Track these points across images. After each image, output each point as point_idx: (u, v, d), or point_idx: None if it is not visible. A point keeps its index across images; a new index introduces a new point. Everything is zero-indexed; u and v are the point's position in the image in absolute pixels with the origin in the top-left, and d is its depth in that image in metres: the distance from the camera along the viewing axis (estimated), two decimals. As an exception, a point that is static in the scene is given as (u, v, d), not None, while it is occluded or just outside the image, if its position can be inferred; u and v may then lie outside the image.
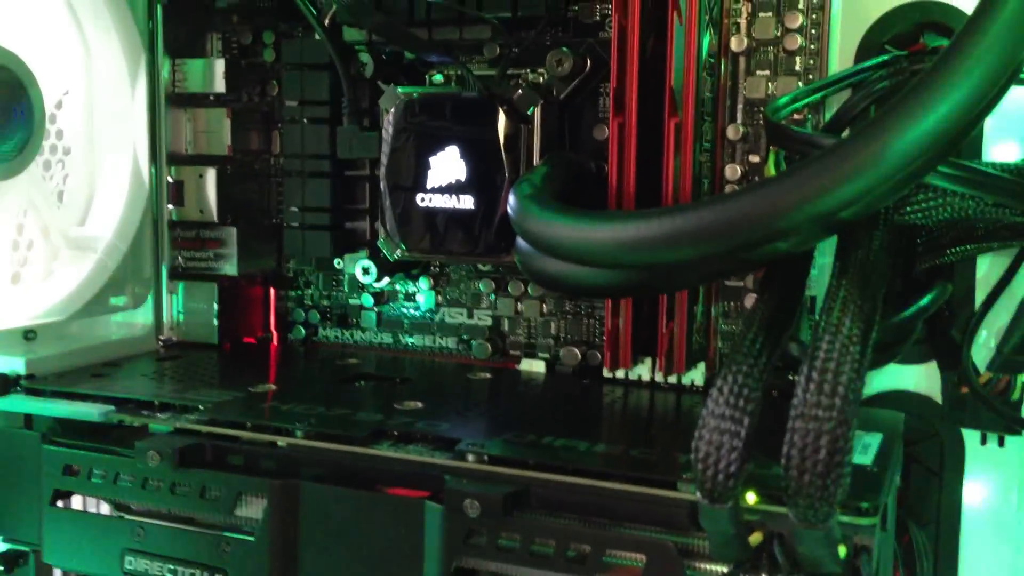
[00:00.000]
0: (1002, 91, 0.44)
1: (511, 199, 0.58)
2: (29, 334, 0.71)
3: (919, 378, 0.67)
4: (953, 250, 0.62)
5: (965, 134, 0.44)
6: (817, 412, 0.38)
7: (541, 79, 0.73)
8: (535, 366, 0.76)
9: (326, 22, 0.73)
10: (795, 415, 0.39)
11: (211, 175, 0.78)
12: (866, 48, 0.67)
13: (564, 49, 0.70)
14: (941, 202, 0.52)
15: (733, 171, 0.68)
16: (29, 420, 0.64)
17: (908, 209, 0.52)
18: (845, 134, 0.62)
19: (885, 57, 0.64)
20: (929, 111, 0.41)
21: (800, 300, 0.51)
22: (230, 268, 0.79)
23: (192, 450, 0.57)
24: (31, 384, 0.66)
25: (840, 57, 0.67)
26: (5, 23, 0.65)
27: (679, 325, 0.65)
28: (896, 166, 0.42)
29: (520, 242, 0.59)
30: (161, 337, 0.80)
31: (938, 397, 0.66)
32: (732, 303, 0.69)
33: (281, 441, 0.57)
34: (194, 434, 0.58)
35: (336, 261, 0.81)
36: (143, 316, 0.79)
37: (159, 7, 0.76)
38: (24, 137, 0.67)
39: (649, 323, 0.66)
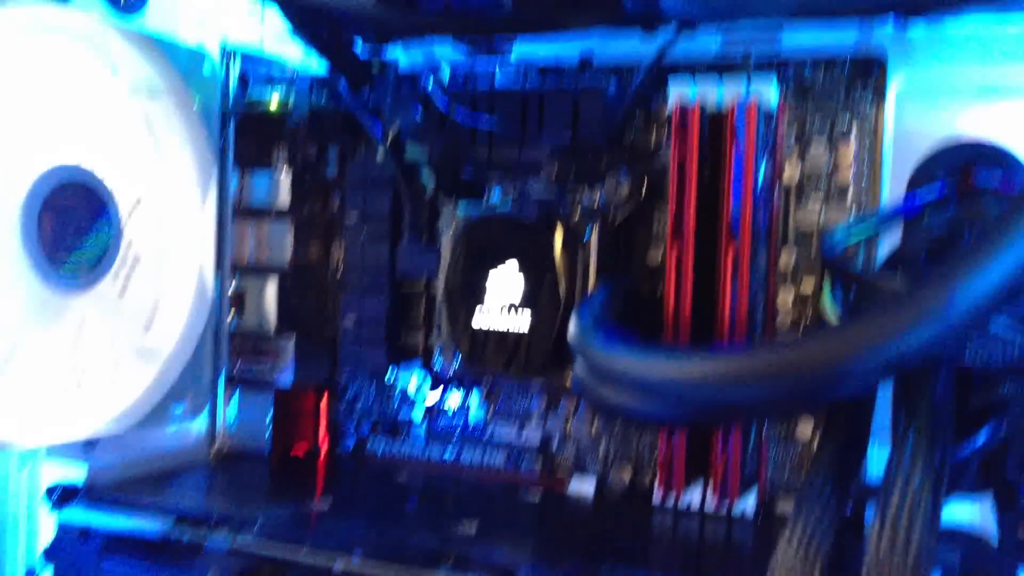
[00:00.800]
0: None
1: (572, 326, 0.59)
2: (90, 443, 0.72)
3: (974, 515, 0.66)
4: (1007, 384, 0.62)
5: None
6: (890, 571, 0.39)
7: (596, 201, 0.75)
8: (584, 486, 0.76)
9: (390, 141, 0.75)
10: (867, 570, 0.39)
11: (272, 285, 0.80)
12: (917, 182, 0.68)
13: (621, 175, 0.72)
14: (1001, 347, 0.52)
15: (785, 298, 0.69)
16: (86, 531, 0.65)
17: (968, 352, 0.53)
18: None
19: (937, 195, 0.65)
20: (994, 266, 0.42)
21: (867, 439, 0.51)
22: (286, 378, 0.81)
23: (250, 572, 0.58)
24: (91, 496, 0.67)
25: (891, 188, 0.69)
26: (87, 139, 0.68)
27: (733, 452, 0.65)
28: (962, 318, 0.43)
29: (578, 367, 0.59)
30: (214, 446, 0.81)
31: (994, 535, 0.65)
32: (783, 427, 0.69)
33: (338, 563, 0.58)
34: (251, 556, 0.59)
35: (389, 373, 0.82)
36: (198, 424, 0.80)
37: (232, 122, 0.79)
38: (101, 248, 0.69)
39: (701, 445, 0.67)
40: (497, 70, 0.76)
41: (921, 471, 0.42)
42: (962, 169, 0.67)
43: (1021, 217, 0.42)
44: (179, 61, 0.73)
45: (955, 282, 0.43)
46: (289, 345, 0.80)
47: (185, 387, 0.75)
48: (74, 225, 0.67)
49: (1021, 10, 0.61)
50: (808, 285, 0.69)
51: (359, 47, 0.75)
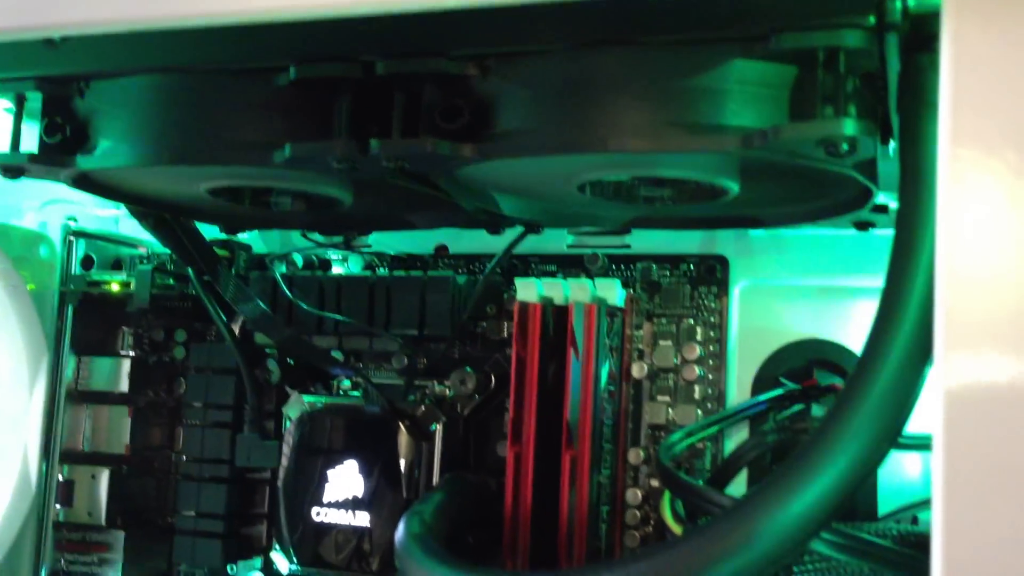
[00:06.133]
0: (879, 461, 0.44)
1: (399, 533, 0.56)
2: None
3: None
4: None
5: (843, 504, 0.43)
6: None
7: (447, 392, 0.73)
8: None
9: (236, 329, 0.74)
10: None
11: (104, 476, 0.76)
12: (762, 380, 0.69)
13: (468, 369, 0.71)
14: (826, 565, 0.52)
15: (634, 496, 0.68)
16: None
17: (796, 570, 0.52)
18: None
19: (780, 391, 0.66)
20: (800, 494, 0.41)
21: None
22: (114, 574, 0.76)
23: None
24: None
25: (738, 386, 0.69)
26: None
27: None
28: (771, 547, 0.41)
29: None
30: (30, 650, 0.76)
31: None
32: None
33: None
34: None
35: (229, 567, 0.78)
36: (15, 624, 0.75)
37: (70, 308, 0.77)
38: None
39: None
40: (349, 259, 0.76)
41: None
42: (805, 367, 0.68)
43: (823, 447, 0.41)
44: (12, 244, 0.70)
45: (762, 512, 0.41)
46: (119, 539, 0.76)
47: (-1, 586, 0.70)
48: None
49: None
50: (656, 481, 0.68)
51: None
